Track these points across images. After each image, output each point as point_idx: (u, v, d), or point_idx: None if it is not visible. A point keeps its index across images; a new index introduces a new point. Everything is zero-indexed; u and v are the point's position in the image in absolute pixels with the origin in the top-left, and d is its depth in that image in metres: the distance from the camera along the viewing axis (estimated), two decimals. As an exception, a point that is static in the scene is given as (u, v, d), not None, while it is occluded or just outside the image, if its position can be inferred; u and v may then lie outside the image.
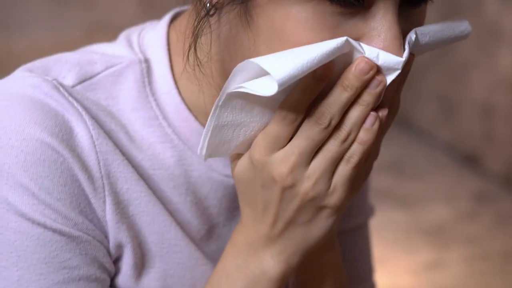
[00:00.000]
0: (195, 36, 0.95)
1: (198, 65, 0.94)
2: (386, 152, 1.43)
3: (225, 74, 0.92)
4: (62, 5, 2.22)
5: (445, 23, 1.02)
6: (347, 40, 0.87)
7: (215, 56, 0.95)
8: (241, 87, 0.91)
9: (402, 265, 2.72)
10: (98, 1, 2.17)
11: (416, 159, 3.19)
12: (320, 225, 0.95)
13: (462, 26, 0.99)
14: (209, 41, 0.94)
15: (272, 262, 0.96)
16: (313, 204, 0.92)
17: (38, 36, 2.23)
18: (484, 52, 2.91)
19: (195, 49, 0.92)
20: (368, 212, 1.27)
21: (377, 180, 1.63)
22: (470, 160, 3.14)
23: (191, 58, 0.95)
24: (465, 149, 3.14)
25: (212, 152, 0.94)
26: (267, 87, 0.90)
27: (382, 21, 0.88)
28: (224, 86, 0.92)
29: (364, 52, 0.89)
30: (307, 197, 0.91)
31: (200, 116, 1.03)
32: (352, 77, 0.90)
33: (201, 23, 0.94)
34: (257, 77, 0.90)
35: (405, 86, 0.90)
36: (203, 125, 1.00)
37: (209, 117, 0.93)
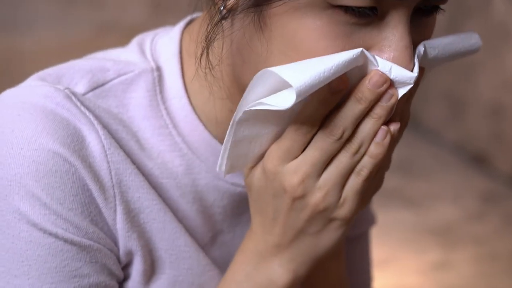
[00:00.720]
0: (208, 41, 0.96)
1: (209, 68, 0.95)
2: (394, 152, 1.42)
3: (235, 78, 0.93)
4: (70, 4, 2.23)
5: (454, 35, 1.02)
6: (362, 51, 0.88)
7: (226, 60, 0.95)
8: (259, 103, 0.91)
9: (410, 264, 2.69)
10: (106, 1, 2.18)
11: (423, 159, 3.17)
12: (329, 236, 0.95)
13: (472, 40, 0.98)
14: (221, 45, 0.95)
15: (280, 271, 0.96)
16: (323, 216, 0.92)
17: (46, 36, 2.24)
18: (492, 53, 2.93)
19: (207, 53, 0.92)
20: (370, 221, 1.27)
21: (385, 180, 1.62)
22: (478, 160, 3.13)
23: (203, 61, 0.96)
24: (473, 149, 3.14)
25: (231, 167, 0.94)
26: (284, 101, 0.90)
27: (394, 31, 0.89)
28: (242, 99, 0.92)
29: (378, 65, 0.90)
30: (317, 208, 0.92)
31: (209, 124, 1.02)
32: (365, 90, 0.90)
33: (214, 28, 0.95)
34: (274, 87, 0.90)
35: (413, 86, 0.89)
36: (212, 134, 1.01)
37: (227, 134, 0.93)
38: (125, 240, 0.95)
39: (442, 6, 0.89)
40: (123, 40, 1.12)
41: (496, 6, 2.97)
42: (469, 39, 1.00)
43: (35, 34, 2.39)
